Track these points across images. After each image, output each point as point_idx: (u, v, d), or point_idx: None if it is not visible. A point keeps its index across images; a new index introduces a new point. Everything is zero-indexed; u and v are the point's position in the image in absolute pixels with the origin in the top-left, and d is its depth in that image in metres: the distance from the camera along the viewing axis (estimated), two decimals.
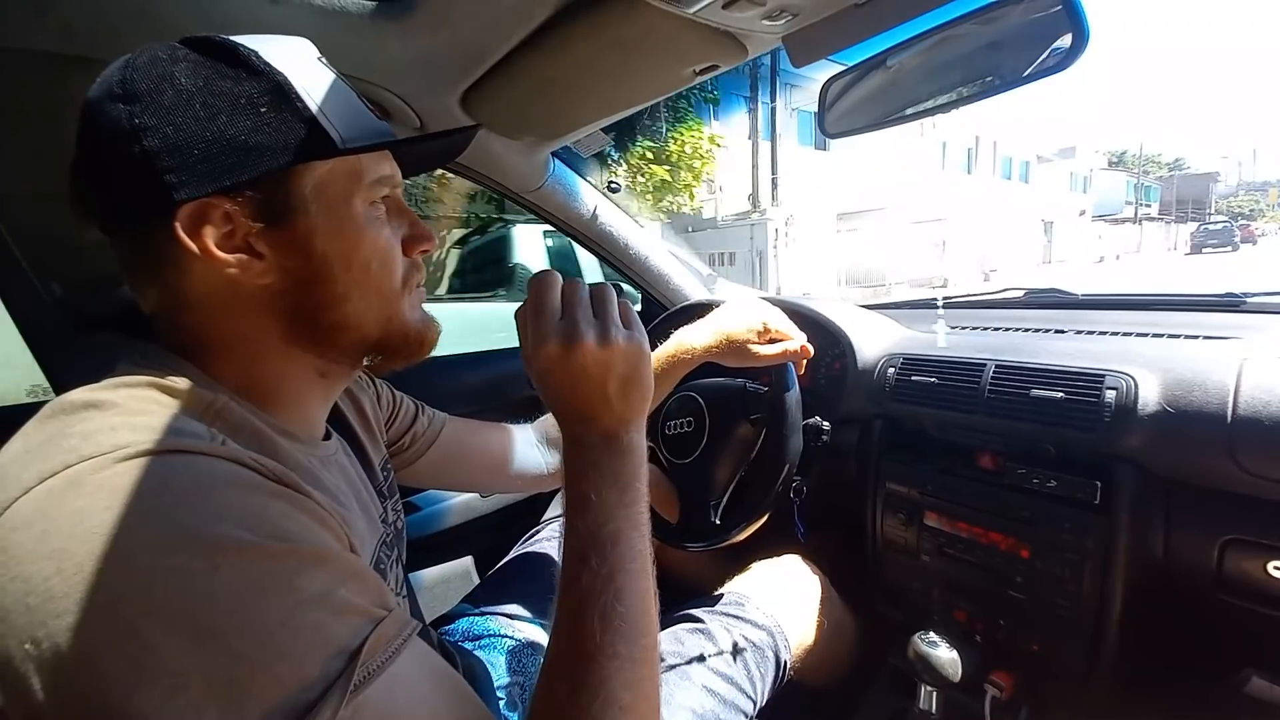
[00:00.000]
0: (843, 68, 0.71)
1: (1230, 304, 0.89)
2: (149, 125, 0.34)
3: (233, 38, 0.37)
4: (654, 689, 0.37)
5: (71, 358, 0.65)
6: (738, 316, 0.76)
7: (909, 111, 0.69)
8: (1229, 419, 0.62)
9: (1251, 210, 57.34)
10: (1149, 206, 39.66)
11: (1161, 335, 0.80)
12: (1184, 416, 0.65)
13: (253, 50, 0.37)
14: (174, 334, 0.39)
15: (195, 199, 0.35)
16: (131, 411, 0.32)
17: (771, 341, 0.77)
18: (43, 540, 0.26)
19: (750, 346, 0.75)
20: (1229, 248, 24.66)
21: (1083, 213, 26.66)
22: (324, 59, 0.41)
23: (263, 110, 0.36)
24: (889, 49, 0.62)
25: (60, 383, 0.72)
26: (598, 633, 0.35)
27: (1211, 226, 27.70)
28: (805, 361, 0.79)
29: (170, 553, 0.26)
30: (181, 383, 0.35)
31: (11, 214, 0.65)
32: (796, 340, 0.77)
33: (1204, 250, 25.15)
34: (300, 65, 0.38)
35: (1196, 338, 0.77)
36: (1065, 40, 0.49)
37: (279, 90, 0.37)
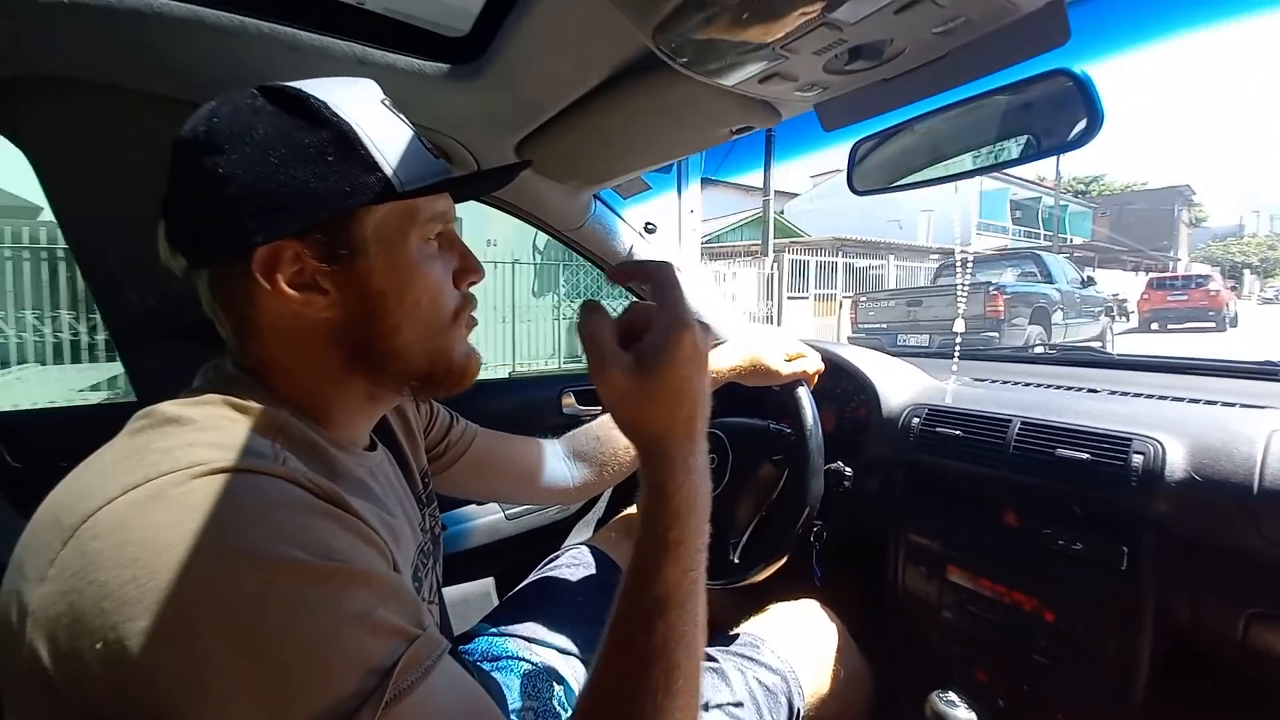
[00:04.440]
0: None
1: (1267, 372, 0.87)
2: (232, 174, 0.37)
3: (305, 86, 0.40)
4: None
5: (158, 367, 0.72)
6: (766, 340, 0.87)
7: (937, 176, 0.72)
8: (1255, 490, 0.61)
9: (1262, 262, 35.21)
10: (1060, 240, 19.97)
11: (1195, 401, 0.79)
12: (1210, 485, 0.64)
13: (323, 102, 0.39)
14: (243, 356, 0.42)
15: (271, 242, 0.38)
16: (208, 428, 0.35)
17: (788, 361, 0.88)
18: (121, 549, 0.28)
19: (771, 365, 0.86)
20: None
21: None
22: (387, 100, 0.43)
23: (330, 159, 0.39)
24: (916, 117, 0.66)
25: (144, 389, 0.80)
26: (660, 692, 0.34)
27: (1004, 277, 7.47)
28: (826, 401, 0.89)
29: (231, 566, 0.28)
30: (252, 401, 0.38)
31: (119, 233, 0.74)
32: (812, 358, 0.90)
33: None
34: (365, 111, 0.41)
35: (1232, 405, 0.75)
36: (1082, 123, 0.52)
37: (345, 140, 0.39)
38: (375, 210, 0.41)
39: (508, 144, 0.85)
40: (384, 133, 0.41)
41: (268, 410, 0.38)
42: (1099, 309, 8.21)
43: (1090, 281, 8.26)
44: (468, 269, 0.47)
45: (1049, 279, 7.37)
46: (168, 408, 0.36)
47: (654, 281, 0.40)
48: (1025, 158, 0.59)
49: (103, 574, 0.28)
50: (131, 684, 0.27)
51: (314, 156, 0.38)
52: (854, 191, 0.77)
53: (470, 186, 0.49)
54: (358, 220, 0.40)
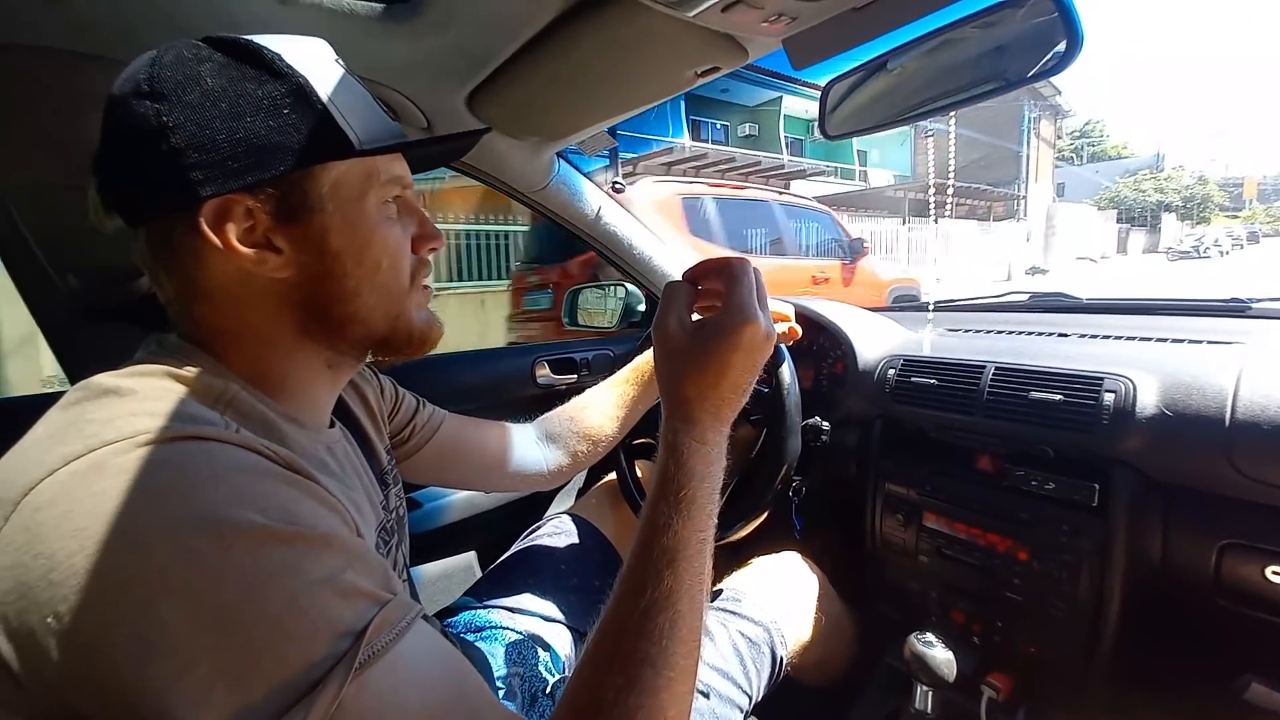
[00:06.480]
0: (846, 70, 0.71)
1: (1235, 309, 0.88)
2: (176, 123, 0.35)
3: (256, 38, 0.39)
4: (689, 707, 0.37)
5: (87, 347, 0.66)
6: None
7: (912, 113, 0.70)
8: (1227, 423, 0.62)
9: (1185, 202, 27.32)
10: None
11: (1165, 340, 0.79)
12: (1182, 420, 0.65)
13: (276, 53, 0.38)
14: (188, 323, 0.40)
15: (220, 195, 0.36)
16: (149, 399, 0.33)
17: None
18: (65, 519, 0.27)
19: None
20: None
21: None
22: (340, 60, 0.42)
23: (285, 111, 0.38)
24: (890, 51, 0.62)
25: (75, 371, 0.74)
26: (664, 637, 0.36)
27: None
28: (803, 358, 0.82)
29: (185, 534, 0.27)
30: (195, 372, 0.36)
31: (27, 207, 0.67)
32: (787, 314, 0.84)
33: None
34: (320, 67, 0.40)
35: (1199, 342, 0.76)
36: (1061, 45, 0.49)
37: (300, 92, 0.38)
38: (332, 168, 0.40)
39: (458, 96, 0.79)
40: (340, 90, 0.40)
41: (214, 382, 0.37)
42: None
43: None
44: (427, 235, 0.46)
45: None
46: (105, 379, 0.34)
47: (728, 274, 0.44)
48: (1007, 86, 0.57)
49: (48, 545, 0.27)
50: (86, 656, 0.26)
51: (267, 108, 0.37)
52: (826, 137, 0.73)
53: (430, 150, 0.48)
54: (314, 178, 0.39)
